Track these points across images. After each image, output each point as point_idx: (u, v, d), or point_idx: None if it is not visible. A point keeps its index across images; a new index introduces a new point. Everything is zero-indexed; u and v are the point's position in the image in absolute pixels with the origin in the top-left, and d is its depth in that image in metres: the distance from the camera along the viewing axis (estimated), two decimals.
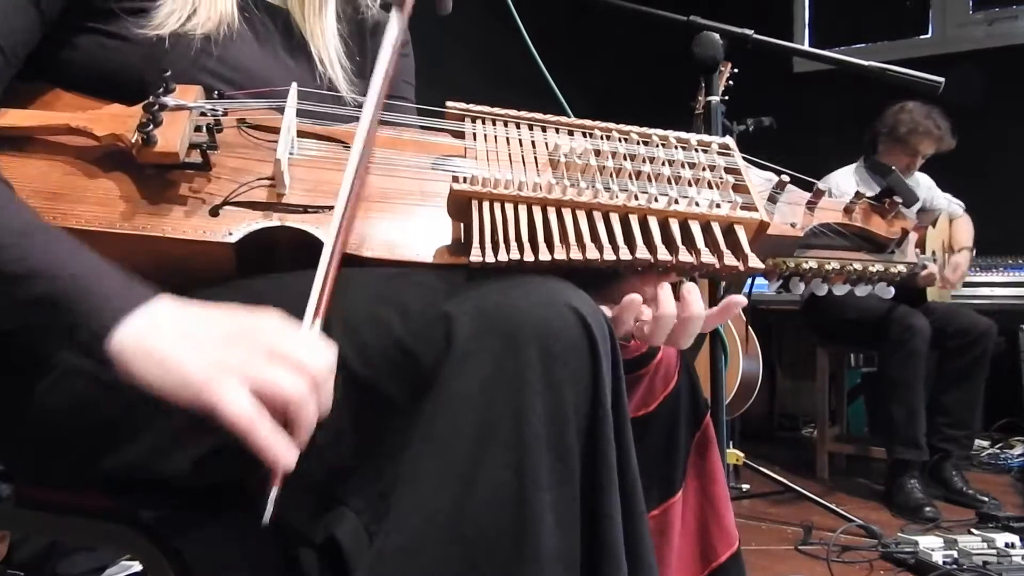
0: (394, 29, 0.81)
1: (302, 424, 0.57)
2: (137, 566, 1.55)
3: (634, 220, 0.72)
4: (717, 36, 1.46)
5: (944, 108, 2.85)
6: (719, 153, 0.84)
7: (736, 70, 2.53)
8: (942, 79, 1.28)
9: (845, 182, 2.88)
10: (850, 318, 2.88)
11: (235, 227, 0.70)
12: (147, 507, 0.72)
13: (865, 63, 1.37)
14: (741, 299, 0.74)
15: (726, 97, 2.42)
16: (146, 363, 0.59)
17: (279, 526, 0.66)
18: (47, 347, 0.64)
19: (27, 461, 0.77)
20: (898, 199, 0.86)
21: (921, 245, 2.85)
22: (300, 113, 0.79)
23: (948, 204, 3.08)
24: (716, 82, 1.53)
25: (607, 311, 0.74)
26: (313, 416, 0.58)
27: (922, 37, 4.31)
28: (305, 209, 0.73)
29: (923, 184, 3.04)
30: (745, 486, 2.75)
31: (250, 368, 0.57)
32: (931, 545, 1.97)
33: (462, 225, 0.72)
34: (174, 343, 0.59)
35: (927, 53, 4.11)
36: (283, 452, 0.56)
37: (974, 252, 3.02)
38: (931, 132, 2.83)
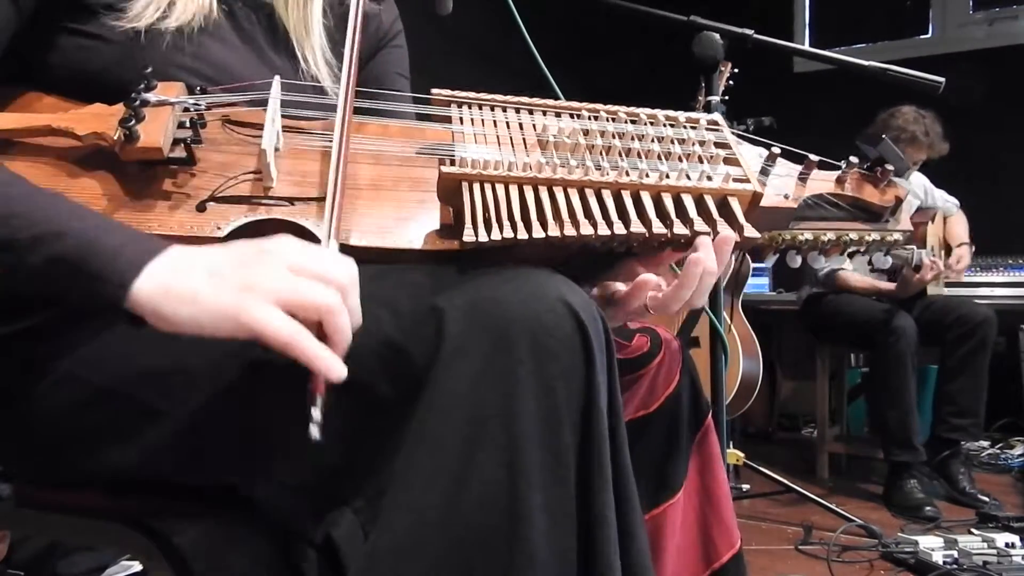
0: (353, 17, 0.81)
1: (339, 333, 0.58)
2: (137, 566, 1.55)
3: (627, 196, 0.71)
4: (717, 36, 1.46)
5: (944, 108, 2.84)
6: (708, 129, 0.83)
7: (736, 70, 2.53)
8: (942, 79, 1.28)
9: None
10: (842, 322, 2.90)
11: (223, 222, 0.69)
12: (147, 507, 0.72)
13: (865, 63, 1.38)
14: (731, 234, 0.71)
15: (726, 97, 2.42)
16: (176, 305, 0.58)
17: (278, 525, 0.66)
18: (82, 307, 0.64)
19: (27, 461, 0.77)
20: (890, 167, 0.86)
21: (922, 241, 2.85)
22: (284, 105, 0.78)
23: (943, 202, 3.09)
24: (716, 82, 1.54)
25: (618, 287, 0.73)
26: (347, 324, 0.58)
27: (922, 37, 4.31)
28: (292, 201, 0.72)
29: (918, 183, 3.03)
30: (745, 486, 2.75)
31: (278, 285, 0.58)
32: (931, 545, 1.96)
33: (452, 210, 0.71)
34: (199, 280, 0.59)
35: (927, 53, 4.10)
36: (330, 361, 0.56)
37: (973, 247, 3.03)
38: (917, 139, 2.82)
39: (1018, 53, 3.93)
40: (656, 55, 3.50)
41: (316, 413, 0.55)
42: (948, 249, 3.02)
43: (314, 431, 0.55)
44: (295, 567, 0.66)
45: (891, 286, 2.84)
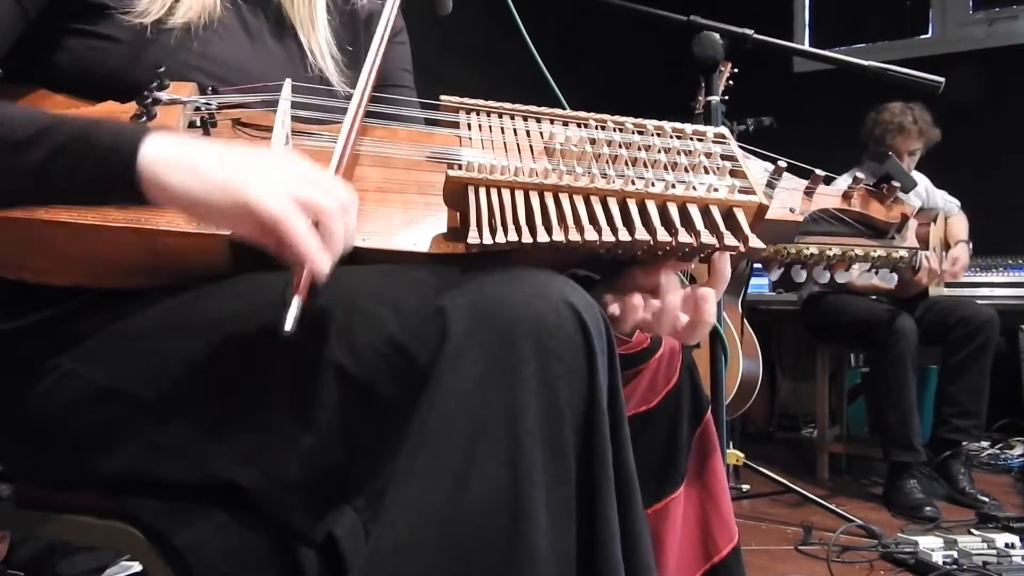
0: (386, 16, 0.82)
1: (333, 236, 0.57)
2: (137, 566, 1.55)
3: (632, 204, 0.72)
4: (717, 36, 1.46)
5: (944, 108, 2.85)
6: (715, 142, 0.84)
7: (736, 70, 2.53)
8: (942, 79, 1.28)
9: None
10: (843, 322, 2.90)
11: None
12: (147, 507, 0.72)
13: (865, 63, 1.37)
14: (724, 255, 0.74)
15: (726, 97, 2.42)
16: (178, 171, 0.60)
17: (278, 525, 0.66)
18: (83, 192, 0.64)
19: (27, 461, 0.77)
20: (896, 184, 0.86)
21: (924, 242, 2.85)
22: (293, 106, 0.79)
23: (944, 203, 3.09)
24: (716, 82, 1.53)
25: (613, 304, 0.74)
26: (341, 232, 0.58)
27: (922, 37, 4.31)
28: None
29: (920, 184, 3.04)
30: (745, 486, 2.75)
31: (281, 177, 0.58)
32: (931, 545, 1.96)
33: (459, 214, 0.71)
34: (202, 152, 0.61)
35: (927, 53, 4.11)
36: (317, 251, 0.56)
37: (971, 245, 3.03)
38: (905, 127, 2.85)
39: (1018, 53, 3.93)
40: (656, 55, 3.50)
41: (294, 307, 0.54)
42: (949, 249, 3.02)
43: (288, 323, 0.54)
44: (295, 567, 0.66)
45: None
